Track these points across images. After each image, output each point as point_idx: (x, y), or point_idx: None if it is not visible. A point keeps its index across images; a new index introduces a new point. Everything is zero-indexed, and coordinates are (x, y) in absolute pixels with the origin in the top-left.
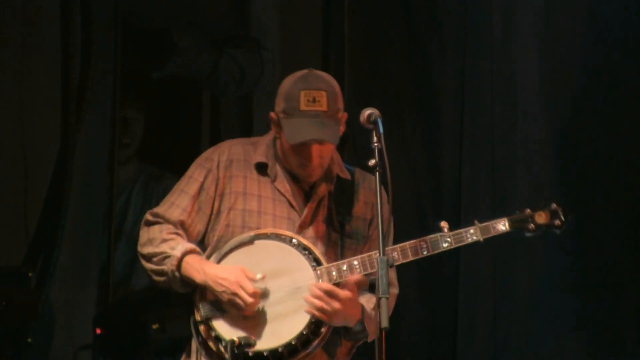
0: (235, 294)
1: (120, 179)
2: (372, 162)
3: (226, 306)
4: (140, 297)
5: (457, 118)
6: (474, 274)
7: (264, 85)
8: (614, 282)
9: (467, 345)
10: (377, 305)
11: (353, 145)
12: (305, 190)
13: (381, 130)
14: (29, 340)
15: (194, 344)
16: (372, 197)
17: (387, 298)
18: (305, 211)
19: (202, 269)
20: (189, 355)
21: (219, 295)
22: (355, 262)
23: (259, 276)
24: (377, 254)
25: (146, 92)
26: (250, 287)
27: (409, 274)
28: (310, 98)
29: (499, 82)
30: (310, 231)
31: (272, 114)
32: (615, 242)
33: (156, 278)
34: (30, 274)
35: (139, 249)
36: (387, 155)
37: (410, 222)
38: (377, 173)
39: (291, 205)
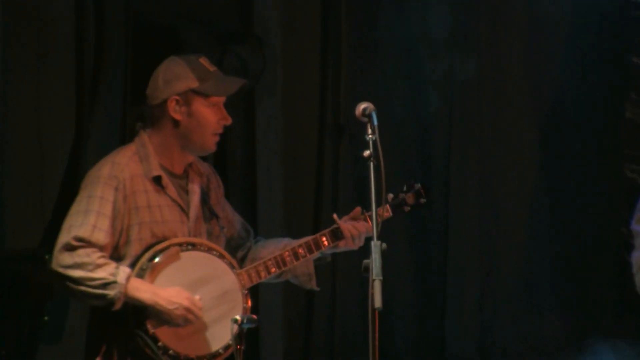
0: (188, 310)
1: None
2: (366, 153)
3: (173, 320)
4: None
5: (447, 112)
6: (461, 257)
7: (266, 81)
8: (592, 266)
9: (454, 324)
10: (371, 286)
11: (349, 137)
12: (185, 190)
13: (375, 122)
14: (45, 318)
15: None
16: (216, 182)
17: (381, 280)
18: (192, 212)
19: (150, 291)
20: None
21: (170, 312)
22: (269, 262)
23: (197, 297)
24: (289, 253)
25: None
26: (199, 302)
27: (402, 257)
28: (208, 62)
29: (486, 77)
30: (197, 229)
31: (175, 97)
32: (594, 229)
33: (90, 300)
34: (46, 257)
35: (63, 271)
36: (380, 146)
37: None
38: (372, 164)
39: (182, 209)
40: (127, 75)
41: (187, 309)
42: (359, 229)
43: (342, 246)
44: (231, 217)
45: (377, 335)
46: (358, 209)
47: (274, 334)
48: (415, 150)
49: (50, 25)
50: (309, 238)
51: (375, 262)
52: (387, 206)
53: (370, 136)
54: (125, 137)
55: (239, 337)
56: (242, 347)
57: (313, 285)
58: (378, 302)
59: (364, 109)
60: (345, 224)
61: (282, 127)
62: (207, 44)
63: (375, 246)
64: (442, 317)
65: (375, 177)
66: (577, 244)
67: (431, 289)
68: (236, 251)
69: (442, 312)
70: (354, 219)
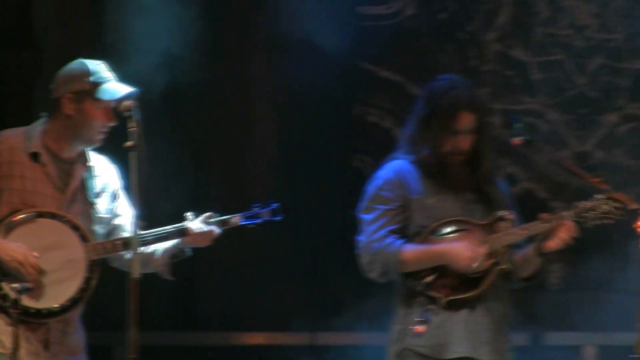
0: (21, 264)
1: None
2: (129, 143)
3: (9, 271)
4: None
5: (206, 115)
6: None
7: (43, 83)
8: (325, 246)
9: (203, 295)
10: (132, 259)
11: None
12: (67, 173)
13: (136, 117)
14: None
15: None
16: (110, 176)
17: (139, 254)
18: (69, 192)
19: None
20: None
21: (6, 263)
22: (118, 242)
23: (35, 254)
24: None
25: None
26: (33, 260)
27: None
28: (106, 68)
29: (232, 78)
30: (73, 208)
31: (69, 95)
32: (328, 213)
33: None
34: None
35: None
36: (143, 139)
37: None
38: (133, 153)
39: (58, 187)
40: None
41: (20, 263)
42: (204, 230)
43: (187, 242)
44: (119, 210)
45: (136, 301)
46: (209, 214)
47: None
48: (173, 145)
49: None
50: (160, 229)
51: (135, 237)
52: (238, 216)
53: (131, 129)
54: None
55: (15, 302)
56: (18, 310)
57: (166, 274)
58: (136, 272)
59: (127, 105)
60: (194, 223)
61: None
62: None
63: (135, 224)
64: (192, 288)
65: (138, 164)
66: (313, 227)
67: (182, 263)
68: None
69: (191, 284)
70: (204, 221)
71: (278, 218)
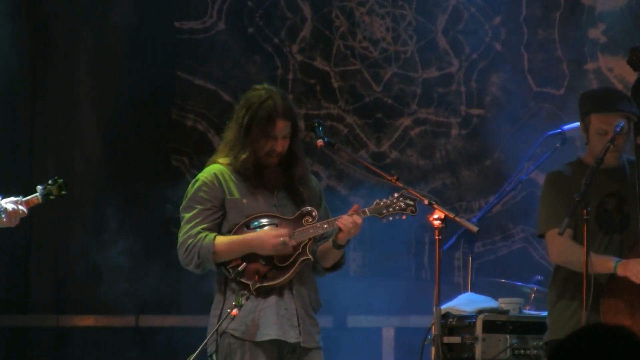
0: None
1: None
2: None
3: None
4: None
5: (39, 116)
6: (43, 227)
7: None
8: (151, 235)
9: (36, 281)
10: None
11: None
12: None
13: None
14: None
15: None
16: None
17: None
18: None
19: None
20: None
21: None
22: None
23: None
24: None
25: None
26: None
27: None
28: None
29: (61, 87)
30: None
31: None
32: (149, 205)
33: None
34: None
35: None
36: None
37: None
38: None
39: None
40: None
41: None
42: (16, 211)
43: (2, 224)
44: None
45: None
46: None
47: None
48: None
49: None
50: None
51: None
52: (38, 195)
53: None
54: None
55: None
56: None
57: None
58: None
59: None
60: (7, 205)
61: None
62: None
63: None
64: (26, 275)
65: None
66: (136, 217)
67: (17, 254)
68: None
69: (25, 272)
70: (14, 202)
71: (63, 192)
